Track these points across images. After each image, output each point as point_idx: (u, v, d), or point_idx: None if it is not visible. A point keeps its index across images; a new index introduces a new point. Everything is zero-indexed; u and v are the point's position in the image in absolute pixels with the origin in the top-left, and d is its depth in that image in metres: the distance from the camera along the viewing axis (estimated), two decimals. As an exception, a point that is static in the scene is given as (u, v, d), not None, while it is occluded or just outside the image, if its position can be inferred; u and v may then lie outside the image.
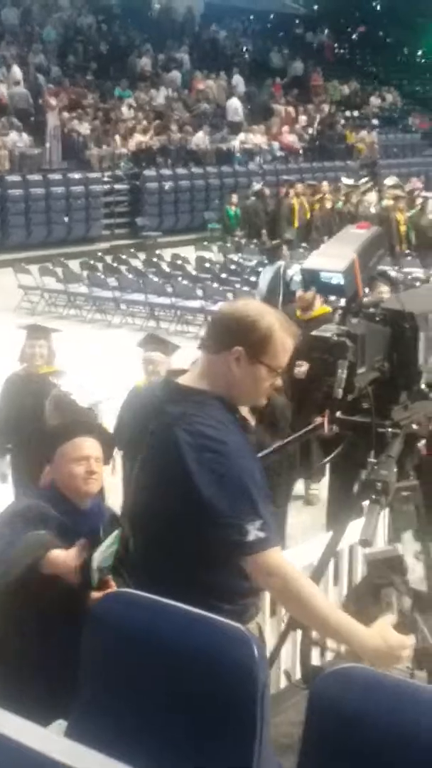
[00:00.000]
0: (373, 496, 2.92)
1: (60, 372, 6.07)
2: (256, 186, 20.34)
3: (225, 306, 2.79)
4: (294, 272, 11.02)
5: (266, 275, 11.26)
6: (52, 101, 21.85)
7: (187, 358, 5.47)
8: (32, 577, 2.85)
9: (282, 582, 2.49)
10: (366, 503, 3.05)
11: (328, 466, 5.60)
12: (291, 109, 27.28)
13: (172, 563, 2.55)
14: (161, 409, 2.60)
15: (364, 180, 20.29)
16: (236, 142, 24.37)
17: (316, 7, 36.97)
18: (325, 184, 19.62)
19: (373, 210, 17.28)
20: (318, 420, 3.24)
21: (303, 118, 27.19)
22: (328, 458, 3.49)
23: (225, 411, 2.57)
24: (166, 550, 2.57)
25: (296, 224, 18.22)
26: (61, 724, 2.17)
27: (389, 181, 19.91)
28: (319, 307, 7.07)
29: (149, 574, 2.57)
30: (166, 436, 2.53)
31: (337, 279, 2.97)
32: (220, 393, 2.59)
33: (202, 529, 2.48)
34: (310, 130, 26.97)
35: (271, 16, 34.85)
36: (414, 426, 3.18)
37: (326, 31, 34.49)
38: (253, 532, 2.44)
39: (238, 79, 27.38)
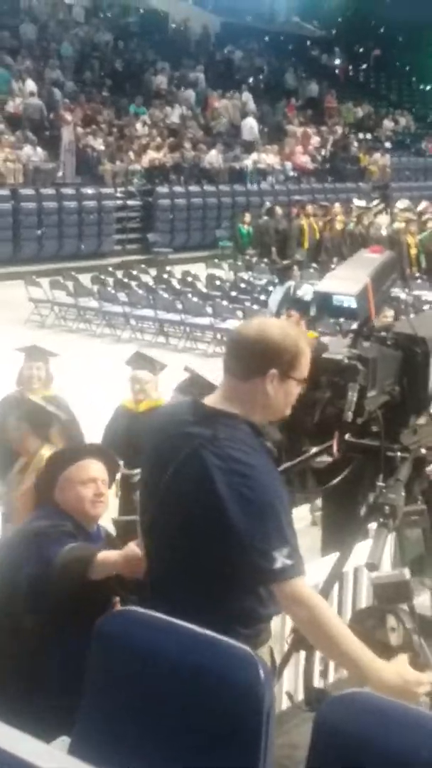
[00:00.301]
0: (381, 520, 2.92)
1: (55, 396, 5.95)
2: (269, 204, 20.45)
3: (244, 330, 2.72)
4: (304, 292, 11.05)
5: (276, 295, 11.32)
6: (68, 116, 22.00)
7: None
8: (79, 588, 2.86)
9: (308, 612, 2.47)
10: (373, 526, 3.04)
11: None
12: (305, 129, 27.41)
13: (193, 586, 2.52)
14: (189, 430, 2.57)
15: (375, 202, 20.34)
16: (249, 161, 24.49)
17: (333, 30, 37.17)
18: (336, 205, 19.70)
19: (384, 232, 17.34)
20: (314, 449, 3.25)
21: (316, 140, 27.32)
22: (335, 480, 3.48)
23: (253, 436, 2.57)
24: (188, 573, 2.55)
25: (306, 245, 18.27)
26: (64, 741, 2.17)
27: (401, 204, 19.99)
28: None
29: (167, 597, 2.54)
30: (194, 458, 2.52)
31: (350, 302, 2.98)
32: (251, 417, 2.59)
33: (228, 553, 2.46)
34: (323, 152, 27.10)
35: (285, 38, 35.06)
36: (423, 450, 3.18)
37: (340, 53, 34.70)
38: (280, 560, 2.42)
39: (249, 97, 27.55)
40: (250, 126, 25.99)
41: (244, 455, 2.50)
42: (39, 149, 21.17)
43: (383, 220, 18.40)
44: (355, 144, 28.43)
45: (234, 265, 18.10)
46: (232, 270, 17.71)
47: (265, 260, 17.98)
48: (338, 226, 18.55)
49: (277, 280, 12.70)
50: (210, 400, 2.65)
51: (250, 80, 30.12)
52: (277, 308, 10.98)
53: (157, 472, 2.63)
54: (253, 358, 2.59)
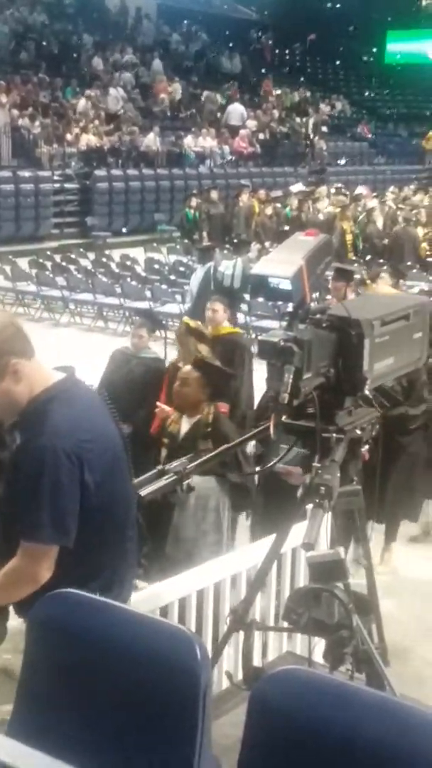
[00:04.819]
0: (317, 500, 2.96)
1: None
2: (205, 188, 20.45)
3: None
4: (225, 267, 11.02)
5: (197, 276, 11.26)
6: (2, 98, 21.66)
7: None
8: None
9: None
10: (309, 507, 3.08)
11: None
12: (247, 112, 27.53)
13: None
14: None
15: (311, 188, 20.43)
16: (189, 143, 24.46)
17: (267, 13, 37.12)
18: (261, 192, 19.80)
19: (321, 217, 17.40)
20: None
21: (253, 123, 27.31)
22: (275, 461, 3.51)
23: None
24: None
25: (253, 226, 18.31)
26: (3, 719, 2.17)
27: (334, 188, 20.08)
28: None
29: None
30: None
31: (285, 285, 3.00)
32: None
33: None
34: (261, 136, 27.11)
35: (223, 21, 34.93)
36: (357, 431, 3.22)
37: (275, 36, 34.72)
38: None
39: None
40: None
41: None
42: (-26, 131, 20.85)
43: (321, 205, 18.49)
44: (311, 124, 28.56)
45: (173, 249, 18.06)
46: (171, 254, 17.67)
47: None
48: (268, 210, 18.62)
49: (196, 261, 12.61)
50: None
51: (188, 63, 29.98)
52: (198, 290, 10.90)
53: None
54: None
